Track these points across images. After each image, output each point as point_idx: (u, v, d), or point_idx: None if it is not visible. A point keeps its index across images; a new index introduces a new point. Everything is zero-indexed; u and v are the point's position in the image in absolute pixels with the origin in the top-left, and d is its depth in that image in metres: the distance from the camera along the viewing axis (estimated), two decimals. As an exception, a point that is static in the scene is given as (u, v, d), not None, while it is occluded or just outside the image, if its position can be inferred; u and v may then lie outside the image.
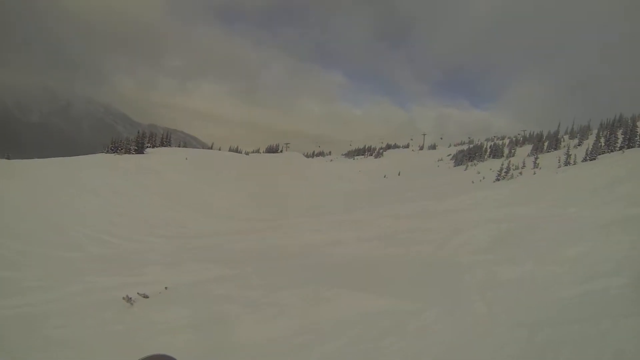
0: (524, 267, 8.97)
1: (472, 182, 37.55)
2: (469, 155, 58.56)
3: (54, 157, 50.01)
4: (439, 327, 6.66)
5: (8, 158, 55.18)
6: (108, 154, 51.39)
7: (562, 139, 51.94)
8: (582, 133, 50.46)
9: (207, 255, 15.63)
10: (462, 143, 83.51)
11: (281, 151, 75.97)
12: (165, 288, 10.47)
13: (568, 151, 36.02)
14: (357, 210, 27.75)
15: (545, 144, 51.25)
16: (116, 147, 52.35)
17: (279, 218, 27.43)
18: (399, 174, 56.57)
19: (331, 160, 79.33)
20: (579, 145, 45.41)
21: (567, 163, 33.82)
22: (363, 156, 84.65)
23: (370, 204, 30.99)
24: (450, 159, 64.51)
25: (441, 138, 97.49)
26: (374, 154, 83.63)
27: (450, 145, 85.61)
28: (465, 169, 52.31)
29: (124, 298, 9.05)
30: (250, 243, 18.37)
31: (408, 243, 14.45)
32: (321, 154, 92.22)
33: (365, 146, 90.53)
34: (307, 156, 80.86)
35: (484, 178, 38.44)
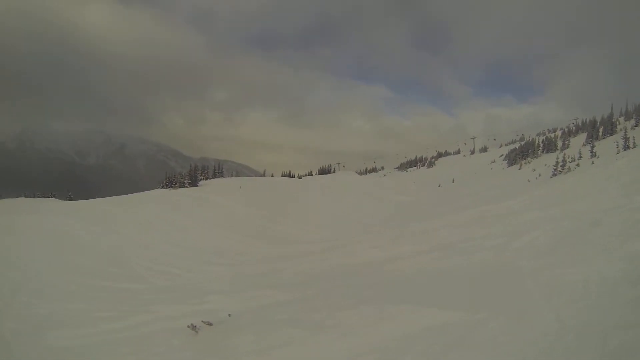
0: (589, 266, 8.37)
1: (528, 180, 36.04)
2: (522, 153, 56.28)
3: (112, 195, 52.53)
4: (507, 338, 6.30)
5: (70, 199, 58.65)
6: (163, 189, 53.34)
7: (617, 122, 48.49)
8: (637, 113, 46.81)
9: (267, 281, 15.70)
10: (513, 141, 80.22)
11: (334, 171, 76.16)
12: (229, 315, 10.52)
13: (625, 134, 33.62)
14: (414, 222, 27.27)
15: (600, 130, 48.05)
16: (170, 182, 54.21)
17: (338, 237, 27.33)
18: (452, 181, 55.24)
19: (384, 175, 78.64)
20: (635, 126, 42.22)
21: (626, 147, 31.63)
22: (415, 167, 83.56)
23: (426, 215, 30.40)
24: (503, 160, 62.22)
25: (494, 139, 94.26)
26: (425, 164, 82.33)
27: (501, 146, 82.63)
28: (520, 168, 50.28)
29: (189, 326, 9.18)
30: (310, 265, 18.36)
31: (468, 251, 13.94)
32: (374, 169, 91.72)
33: (416, 157, 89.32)
34: (360, 173, 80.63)
35: (539, 175, 36.81)
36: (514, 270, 10.02)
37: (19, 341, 8.85)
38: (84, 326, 9.44)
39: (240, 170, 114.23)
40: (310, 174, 78.25)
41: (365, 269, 15.55)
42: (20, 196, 59.55)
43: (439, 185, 54.40)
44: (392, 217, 35.49)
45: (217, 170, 65.22)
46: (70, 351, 7.78)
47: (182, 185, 52.44)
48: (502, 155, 66.35)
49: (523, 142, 64.49)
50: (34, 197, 58.91)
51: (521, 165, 51.52)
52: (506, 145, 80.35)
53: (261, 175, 73.80)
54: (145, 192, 53.19)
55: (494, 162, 64.60)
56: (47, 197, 60.21)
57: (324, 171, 78.53)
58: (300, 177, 69.88)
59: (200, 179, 55.73)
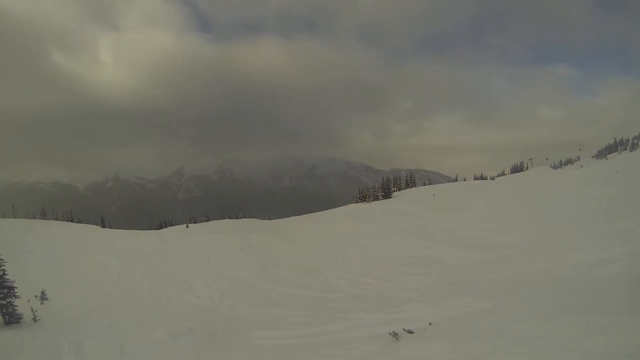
0: None
1: None
2: None
3: (307, 213, 56.34)
4: None
5: (269, 218, 64.74)
6: (357, 203, 55.47)
7: None
8: None
9: (466, 289, 14.99)
10: None
11: (526, 168, 70.64)
12: (430, 324, 10.28)
13: None
14: (622, 218, 23.51)
15: None
16: (364, 196, 56.14)
17: (535, 240, 24.99)
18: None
19: (581, 166, 69.90)
20: None
21: None
22: (616, 152, 72.54)
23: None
24: None
25: None
26: (627, 147, 70.63)
27: None
28: None
29: (390, 333, 9.19)
30: (509, 271, 17.06)
31: None
32: (569, 161, 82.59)
33: (615, 140, 77.53)
34: (554, 167, 73.24)
35: None
36: None
37: (228, 337, 9.95)
38: (285, 329, 10.10)
39: (432, 178, 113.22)
40: (502, 174, 73.95)
41: (573, 274, 13.90)
42: (225, 218, 68.14)
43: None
44: (598, 213, 31.18)
45: (410, 180, 65.95)
46: (273, 349, 8.36)
47: (375, 198, 53.89)
48: None
49: None
50: (236, 218, 66.77)
51: None
52: None
53: (453, 181, 72.32)
54: (339, 207, 56.03)
55: None
56: (248, 217, 67.71)
57: (516, 169, 73.46)
58: (492, 179, 66.55)
59: (394, 190, 56.62)
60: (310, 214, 54.41)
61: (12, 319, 19.65)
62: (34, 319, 20.09)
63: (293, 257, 27.96)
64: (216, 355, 7.98)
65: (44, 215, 78.92)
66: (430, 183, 73.57)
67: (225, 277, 25.56)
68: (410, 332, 9.56)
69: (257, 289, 21.50)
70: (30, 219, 70.28)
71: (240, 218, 68.14)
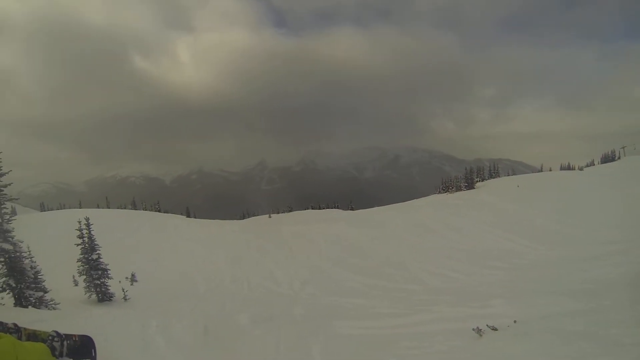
0: None
1: None
2: None
3: (390, 204, 56.09)
4: None
5: (351, 209, 65.04)
6: (440, 194, 54.54)
7: None
8: None
9: (553, 287, 14.31)
10: None
11: (618, 158, 65.28)
12: (514, 322, 10.01)
13: None
14: None
15: None
16: (446, 187, 55.07)
17: (631, 238, 23.26)
18: None
19: None
20: None
21: None
22: None
23: None
24: None
25: None
26: None
27: None
28: None
29: (473, 329, 9.02)
30: (600, 270, 16.07)
31: None
32: None
33: None
34: None
35: None
36: None
37: (308, 325, 10.19)
38: (366, 319, 10.16)
39: (515, 168, 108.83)
40: (592, 163, 68.63)
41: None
42: (308, 208, 69.26)
43: None
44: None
45: (493, 171, 63.77)
46: (354, 339, 8.46)
47: (458, 189, 52.69)
48: None
49: None
50: (319, 209, 67.56)
51: None
52: None
53: (538, 171, 68.48)
54: (422, 197, 55.34)
55: None
56: (332, 208, 68.27)
57: (607, 158, 67.50)
58: (581, 169, 62.36)
59: (477, 181, 55.02)
60: (393, 205, 54.14)
61: (105, 297, 21.60)
62: (124, 298, 21.86)
63: (375, 247, 28.03)
64: (296, 342, 8.20)
65: (134, 206, 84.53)
66: (514, 173, 70.47)
67: (306, 266, 26.16)
68: (494, 329, 9.32)
69: (338, 278, 21.81)
70: (122, 208, 75.39)
71: (323, 208, 68.93)
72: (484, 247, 24.17)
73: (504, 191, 42.73)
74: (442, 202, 44.29)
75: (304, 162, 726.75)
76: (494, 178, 61.20)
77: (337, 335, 8.76)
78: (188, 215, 77.29)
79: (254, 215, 72.03)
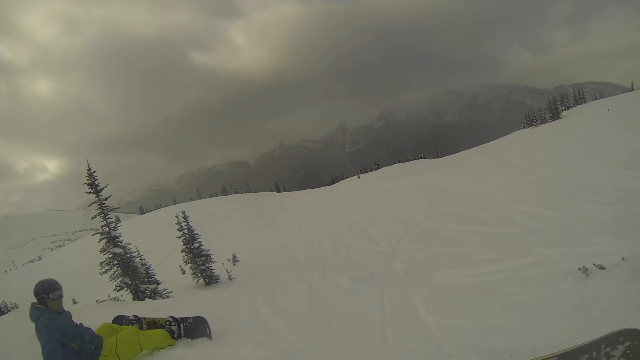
0: None
1: None
2: None
3: (474, 146, 54.58)
4: None
5: (437, 157, 64.05)
6: (524, 129, 52.23)
7: None
8: None
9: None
10: None
11: None
12: (622, 259, 9.50)
13: None
14: None
15: None
16: (530, 120, 52.61)
17: None
18: None
19: None
20: None
21: None
22: None
23: None
24: None
25: None
26: None
27: None
28: None
29: (579, 269, 8.67)
30: None
31: None
32: None
33: None
34: None
35: None
36: None
37: (409, 278, 10.36)
38: (465, 267, 10.07)
39: (602, 90, 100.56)
40: None
41: None
42: (395, 163, 68.93)
43: None
44: None
45: (578, 96, 59.71)
46: (456, 288, 8.47)
47: (543, 121, 50.08)
48: None
49: None
50: (405, 162, 67.02)
51: None
52: None
53: (629, 91, 62.34)
54: (507, 136, 53.25)
55: None
56: (418, 159, 67.54)
57: None
58: None
59: (562, 110, 51.98)
60: (478, 147, 52.63)
61: (211, 280, 23.31)
62: (229, 279, 23.39)
63: (465, 192, 27.48)
64: (400, 297, 8.30)
65: (224, 192, 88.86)
66: (602, 96, 65.37)
67: (400, 220, 26.31)
68: (602, 267, 8.86)
69: (433, 229, 21.72)
70: (213, 197, 79.20)
71: (410, 160, 68.36)
72: (578, 182, 22.52)
73: (593, 117, 39.75)
74: (527, 138, 42.24)
75: (383, 117, 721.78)
76: (580, 105, 57.37)
77: (439, 285, 8.81)
78: (278, 191, 79.74)
79: (342, 178, 72.95)
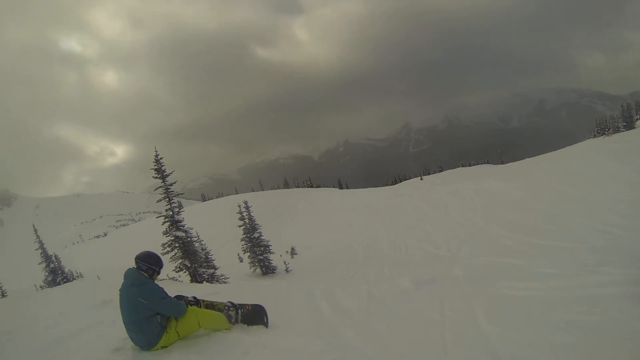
0: None
1: None
2: None
3: (540, 154, 52.68)
4: None
5: (502, 162, 62.25)
6: (595, 138, 49.80)
7: None
8: None
9: None
10: None
11: None
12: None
13: None
14: None
15: None
16: (602, 129, 50.08)
17: None
18: None
19: None
20: None
21: None
22: None
23: None
24: None
25: None
26: None
27: None
28: None
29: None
30: None
31: None
32: None
33: None
34: None
35: None
36: None
37: (470, 285, 10.14)
38: (528, 280, 9.66)
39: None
40: None
41: None
42: (458, 166, 67.83)
43: None
44: None
45: (656, 105, 56.16)
46: (518, 300, 8.16)
47: (616, 130, 47.56)
48: None
49: None
50: (469, 166, 65.76)
51: None
52: None
53: None
54: (575, 144, 50.92)
55: None
56: (481, 163, 66.12)
57: None
58: None
59: (637, 119, 49.10)
60: (545, 154, 50.68)
61: (268, 270, 24.10)
62: (287, 270, 24.02)
63: (528, 201, 26.60)
64: (460, 304, 8.21)
65: (286, 185, 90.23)
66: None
67: (461, 225, 25.89)
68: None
69: (494, 236, 21.19)
70: (274, 189, 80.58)
71: (473, 165, 67.14)
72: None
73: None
74: (598, 148, 40.20)
75: (448, 119, 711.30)
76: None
77: (501, 296, 8.54)
78: (340, 187, 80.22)
79: (405, 179, 72.57)
